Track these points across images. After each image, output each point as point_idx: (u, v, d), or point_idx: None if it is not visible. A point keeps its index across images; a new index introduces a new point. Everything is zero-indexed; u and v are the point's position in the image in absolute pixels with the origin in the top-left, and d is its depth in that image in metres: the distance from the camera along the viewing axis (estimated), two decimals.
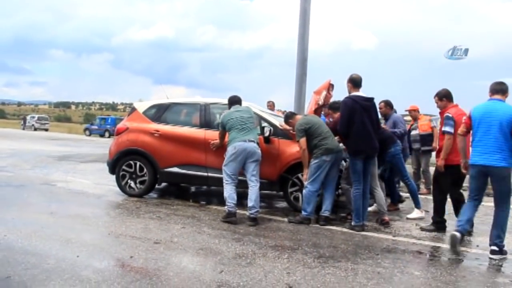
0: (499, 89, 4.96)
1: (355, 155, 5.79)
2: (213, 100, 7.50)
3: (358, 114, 5.66)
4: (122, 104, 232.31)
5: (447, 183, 5.89)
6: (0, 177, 8.74)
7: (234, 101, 6.50)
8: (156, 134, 7.18)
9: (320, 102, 6.99)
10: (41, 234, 4.71)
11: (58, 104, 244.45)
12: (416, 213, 6.86)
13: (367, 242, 5.27)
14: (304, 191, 6.07)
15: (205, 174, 6.87)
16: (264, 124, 6.83)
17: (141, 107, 7.65)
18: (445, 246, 5.25)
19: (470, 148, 5.04)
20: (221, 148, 6.66)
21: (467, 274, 4.21)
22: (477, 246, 5.36)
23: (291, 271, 3.96)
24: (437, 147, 6.59)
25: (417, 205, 6.95)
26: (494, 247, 4.76)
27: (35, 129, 45.81)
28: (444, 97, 5.90)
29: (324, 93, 6.86)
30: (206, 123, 7.10)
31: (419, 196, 7.34)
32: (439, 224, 6.01)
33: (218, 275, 3.75)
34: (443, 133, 5.73)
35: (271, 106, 11.12)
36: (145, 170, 7.19)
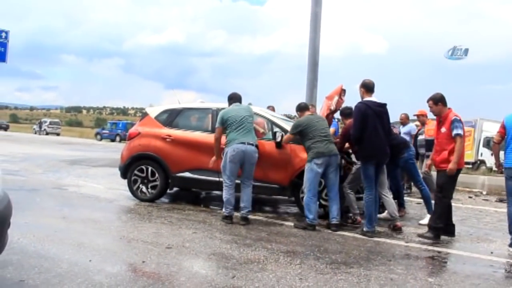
0: None
1: (367, 160, 5.77)
2: (225, 105, 7.49)
3: (371, 120, 5.64)
4: (133, 108, 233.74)
5: (453, 187, 5.95)
6: (13, 181, 8.80)
7: (234, 97, 6.50)
8: (168, 139, 7.20)
9: (332, 108, 6.98)
10: (54, 238, 4.74)
11: (70, 108, 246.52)
12: (428, 219, 6.78)
13: (379, 248, 5.23)
14: (304, 198, 6.08)
15: (217, 179, 6.86)
16: (276, 129, 6.80)
17: (153, 112, 7.68)
18: (458, 252, 5.21)
19: (503, 153, 5.72)
20: None
21: (481, 282, 4.15)
22: (492, 253, 5.29)
23: (304, 277, 3.94)
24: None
25: (429, 210, 6.87)
26: None
27: (47, 134, 46.24)
28: (440, 101, 5.83)
29: (336, 98, 6.85)
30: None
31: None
32: (448, 228, 5.92)
33: (230, 280, 3.74)
34: (455, 136, 5.61)
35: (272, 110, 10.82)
36: (156, 175, 7.20)
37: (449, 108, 5.81)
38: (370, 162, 5.74)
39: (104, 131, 43.51)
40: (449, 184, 5.76)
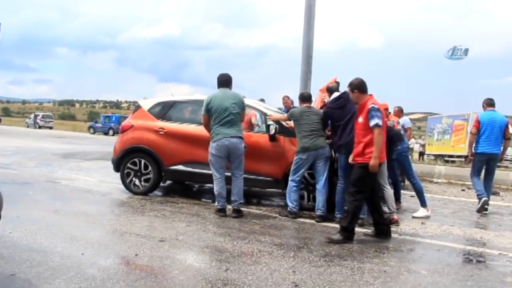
0: (492, 103, 7.85)
1: (338, 150, 5.95)
2: None
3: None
4: (126, 102, 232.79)
5: (369, 184, 5.24)
6: (5, 174, 8.74)
7: (222, 81, 6.18)
8: (161, 132, 7.16)
9: (326, 100, 6.95)
10: (46, 232, 4.70)
11: (63, 102, 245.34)
12: (422, 212, 6.83)
13: (373, 241, 5.23)
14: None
15: (210, 172, 6.83)
16: (269, 122, 6.78)
17: (146, 104, 7.63)
18: (452, 245, 5.23)
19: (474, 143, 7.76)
20: None
21: (474, 274, 4.16)
22: (484, 245, 5.32)
23: (297, 270, 3.93)
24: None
25: (423, 203, 6.91)
26: None
27: (40, 127, 45.96)
28: (356, 88, 5.29)
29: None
30: None
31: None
32: (380, 228, 5.38)
33: (224, 273, 3.73)
34: (374, 127, 5.01)
35: (287, 101, 10.21)
36: (150, 168, 7.17)
37: (369, 95, 5.28)
38: (340, 152, 5.87)
39: (97, 125, 43.42)
40: (365, 180, 5.17)
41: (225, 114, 5.93)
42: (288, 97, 10.28)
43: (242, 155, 6.07)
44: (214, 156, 6.00)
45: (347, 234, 5.08)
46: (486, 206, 7.46)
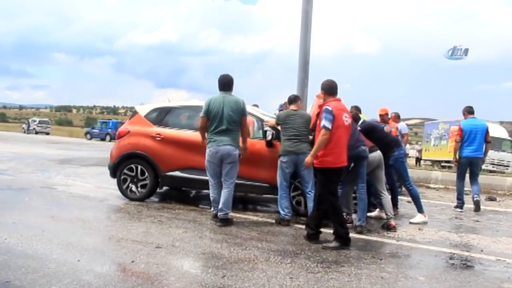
0: (472, 111, 8.61)
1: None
2: None
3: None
4: (123, 107, 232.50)
5: (328, 185, 5.21)
6: (1, 180, 8.70)
7: (224, 84, 6.05)
8: (157, 138, 7.15)
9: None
10: (42, 238, 4.67)
11: (59, 107, 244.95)
12: (419, 218, 6.82)
13: (370, 247, 5.23)
14: None
15: (207, 178, 6.82)
16: (266, 128, 6.78)
17: (142, 110, 7.62)
18: (449, 251, 5.23)
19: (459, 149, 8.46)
20: None
21: (472, 280, 4.16)
22: (482, 251, 5.31)
23: (294, 276, 3.92)
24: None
25: (420, 209, 6.91)
26: None
27: (36, 133, 45.87)
28: (322, 89, 5.38)
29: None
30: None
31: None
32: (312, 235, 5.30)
33: (221, 280, 3.71)
34: (322, 128, 5.05)
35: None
36: (146, 173, 7.15)
37: (335, 99, 5.29)
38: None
39: (94, 130, 43.36)
40: (324, 182, 5.20)
41: (221, 123, 5.84)
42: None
43: (235, 163, 5.92)
44: (208, 162, 5.96)
45: (344, 239, 5.08)
46: (461, 210, 8.42)
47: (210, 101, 5.94)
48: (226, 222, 5.86)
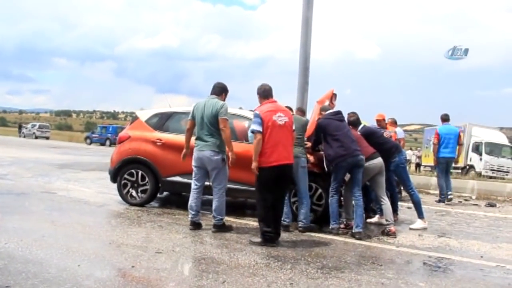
0: (447, 118, 10.38)
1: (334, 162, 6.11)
2: None
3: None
4: (123, 112, 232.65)
5: (264, 190, 5.34)
6: (1, 185, 8.71)
7: (214, 87, 6.02)
8: (158, 143, 7.16)
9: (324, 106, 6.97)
10: (42, 243, 4.67)
11: (59, 112, 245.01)
12: (419, 224, 6.82)
13: (370, 253, 5.23)
14: None
15: (207, 183, 6.82)
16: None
17: (143, 115, 7.63)
18: (449, 256, 5.22)
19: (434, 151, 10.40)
20: None
21: (472, 286, 4.16)
22: (482, 257, 5.31)
23: (294, 282, 3.91)
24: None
25: (420, 215, 6.90)
26: None
27: (36, 137, 45.85)
28: (257, 92, 5.58)
29: (327, 102, 6.84)
30: None
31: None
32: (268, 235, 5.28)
33: (221, 286, 3.71)
34: (252, 132, 5.32)
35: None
36: (147, 179, 7.15)
37: (268, 100, 5.47)
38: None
39: (94, 135, 43.34)
40: (260, 185, 5.35)
41: (201, 127, 5.78)
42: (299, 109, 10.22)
43: (218, 168, 5.78)
44: (193, 167, 5.89)
45: (267, 236, 5.21)
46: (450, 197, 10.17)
47: (195, 105, 5.92)
48: (219, 228, 5.78)
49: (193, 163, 5.87)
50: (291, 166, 5.42)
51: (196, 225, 5.87)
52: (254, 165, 5.26)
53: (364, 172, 6.13)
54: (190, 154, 5.95)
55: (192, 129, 5.94)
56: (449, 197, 10.18)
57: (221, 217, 5.83)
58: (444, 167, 10.31)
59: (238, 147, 6.78)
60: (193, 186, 5.92)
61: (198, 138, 5.82)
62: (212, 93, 5.96)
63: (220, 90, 6.01)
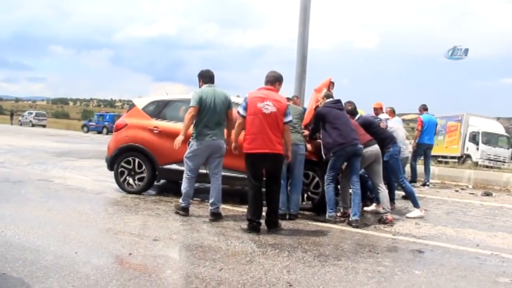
0: (426, 108, 11.12)
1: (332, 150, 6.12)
2: None
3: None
4: (120, 101, 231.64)
5: (250, 173, 5.38)
6: None
7: (211, 76, 6.04)
8: (155, 131, 7.14)
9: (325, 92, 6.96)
10: (39, 231, 4.67)
11: (56, 100, 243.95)
12: (416, 212, 6.85)
13: (367, 241, 5.25)
14: None
15: (204, 171, 6.82)
16: None
17: (140, 103, 7.60)
18: (445, 245, 5.25)
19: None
20: None
21: (468, 274, 4.18)
22: (477, 245, 5.34)
23: (291, 269, 3.93)
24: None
25: (415, 205, 6.93)
26: None
27: (33, 125, 45.70)
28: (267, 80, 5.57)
29: (324, 91, 6.82)
30: None
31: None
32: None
33: (218, 273, 3.72)
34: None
35: (296, 101, 10.00)
36: (144, 167, 7.14)
37: (263, 87, 5.50)
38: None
39: (91, 123, 43.23)
40: (246, 171, 5.44)
41: (213, 115, 5.73)
42: (297, 97, 10.11)
43: (222, 156, 5.91)
44: (194, 155, 5.81)
45: (251, 225, 5.25)
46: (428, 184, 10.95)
47: (202, 92, 5.80)
48: (217, 216, 5.81)
49: (196, 152, 5.79)
50: (275, 156, 5.27)
51: (188, 211, 5.93)
52: (233, 145, 5.51)
53: (361, 159, 6.13)
54: (184, 141, 5.89)
55: (196, 116, 5.79)
56: (428, 184, 10.92)
57: (220, 204, 5.87)
58: (421, 153, 11.14)
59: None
60: (190, 175, 5.89)
61: (206, 126, 5.74)
62: (212, 82, 5.98)
63: (213, 78, 6.05)
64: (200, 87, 5.98)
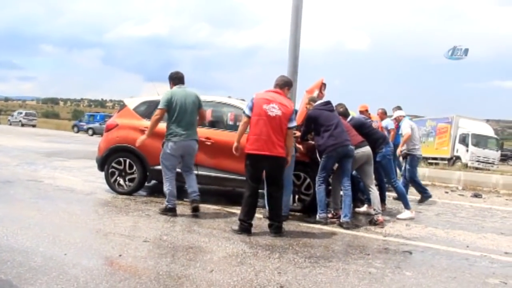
0: (401, 108, 9.35)
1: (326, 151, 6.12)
2: (203, 97, 7.44)
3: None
4: (111, 101, 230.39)
5: (248, 175, 5.40)
6: None
7: (180, 77, 6.18)
8: (146, 131, 7.09)
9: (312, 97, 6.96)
10: (28, 232, 4.62)
11: (46, 100, 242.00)
12: (406, 214, 6.88)
13: (357, 242, 5.26)
14: None
15: (196, 172, 6.81)
16: None
17: (131, 103, 7.56)
18: (435, 246, 5.28)
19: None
20: (211, 146, 6.67)
21: (458, 275, 4.21)
22: (467, 246, 5.38)
23: (282, 271, 3.92)
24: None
25: (406, 206, 6.96)
26: None
27: (23, 125, 45.33)
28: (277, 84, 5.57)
29: (316, 92, 6.82)
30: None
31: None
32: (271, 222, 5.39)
33: (209, 274, 3.70)
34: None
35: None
36: (134, 167, 7.11)
37: (271, 90, 5.49)
38: None
39: (81, 123, 42.97)
40: (245, 171, 5.42)
41: (185, 116, 5.89)
42: (289, 98, 10.27)
43: (195, 155, 6.17)
44: (169, 155, 5.95)
45: (243, 226, 5.25)
46: None
47: (171, 94, 5.93)
48: (198, 203, 6.07)
49: (171, 152, 5.94)
50: (278, 158, 5.27)
51: (176, 211, 5.98)
52: (234, 145, 5.42)
53: (352, 160, 6.15)
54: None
55: (161, 119, 6.06)
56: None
57: (199, 193, 6.11)
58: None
59: (226, 135, 6.80)
60: (169, 174, 6.03)
61: (179, 127, 5.87)
62: (183, 83, 6.16)
63: (183, 79, 6.22)
64: (171, 89, 6.13)
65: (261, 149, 5.17)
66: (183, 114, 5.87)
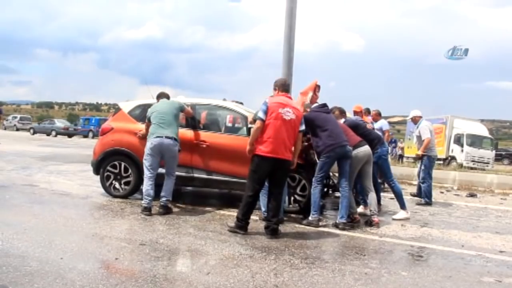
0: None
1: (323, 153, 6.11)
2: (199, 100, 7.47)
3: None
4: (106, 104, 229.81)
5: (251, 179, 5.42)
6: None
7: (162, 95, 6.86)
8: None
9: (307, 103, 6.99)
10: (24, 236, 4.61)
11: (41, 104, 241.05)
12: (402, 214, 6.90)
13: (353, 243, 5.28)
14: None
15: (191, 174, 6.82)
16: (250, 125, 6.77)
17: (126, 107, 7.56)
18: (431, 246, 5.30)
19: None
20: (207, 148, 6.67)
21: (453, 274, 4.23)
22: (462, 246, 5.40)
23: (279, 272, 3.93)
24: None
25: (402, 206, 6.99)
26: None
27: (17, 129, 45.13)
28: (275, 85, 5.65)
29: (310, 94, 6.84)
30: (192, 123, 7.04)
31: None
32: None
33: (205, 277, 3.71)
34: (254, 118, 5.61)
35: None
36: (130, 171, 7.10)
37: (280, 94, 5.55)
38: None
39: (76, 127, 42.81)
40: (250, 172, 5.41)
41: (163, 117, 6.29)
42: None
43: (176, 157, 6.34)
44: (148, 154, 6.24)
45: (239, 224, 5.35)
46: None
47: (150, 108, 6.54)
48: (166, 209, 6.25)
49: (150, 152, 6.23)
50: (286, 162, 5.36)
51: (150, 211, 6.14)
52: (248, 148, 5.37)
53: (353, 161, 6.15)
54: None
55: (147, 132, 6.49)
56: None
57: (169, 198, 6.34)
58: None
59: (222, 138, 6.82)
60: (148, 174, 6.28)
61: (157, 127, 6.29)
62: (164, 98, 6.79)
63: (169, 96, 6.91)
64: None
65: (276, 153, 5.23)
66: (160, 117, 6.28)
